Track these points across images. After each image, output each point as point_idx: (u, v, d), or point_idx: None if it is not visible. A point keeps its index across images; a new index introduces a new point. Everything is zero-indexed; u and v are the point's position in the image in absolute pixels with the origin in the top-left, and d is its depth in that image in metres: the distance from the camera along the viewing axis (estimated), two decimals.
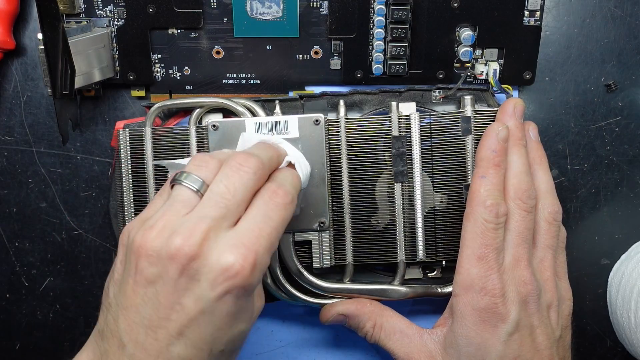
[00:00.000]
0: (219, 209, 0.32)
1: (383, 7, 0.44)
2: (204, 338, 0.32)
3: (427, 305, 0.50)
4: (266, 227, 0.33)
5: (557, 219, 0.43)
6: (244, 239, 0.32)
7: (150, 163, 0.44)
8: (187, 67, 0.46)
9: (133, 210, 0.45)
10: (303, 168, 0.40)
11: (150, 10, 0.44)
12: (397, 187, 0.44)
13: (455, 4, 0.44)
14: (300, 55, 0.46)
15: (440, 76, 0.46)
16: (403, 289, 0.45)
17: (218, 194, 0.33)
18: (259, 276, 0.32)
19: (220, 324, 0.32)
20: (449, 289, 0.45)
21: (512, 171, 0.42)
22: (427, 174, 0.44)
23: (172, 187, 0.35)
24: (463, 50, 0.45)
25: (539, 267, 0.42)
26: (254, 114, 0.44)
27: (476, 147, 0.44)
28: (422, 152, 0.44)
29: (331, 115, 0.45)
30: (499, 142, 0.42)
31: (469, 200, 0.41)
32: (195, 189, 0.34)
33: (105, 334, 0.33)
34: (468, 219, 0.41)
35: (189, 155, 0.44)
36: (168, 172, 0.44)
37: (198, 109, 0.45)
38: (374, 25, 0.45)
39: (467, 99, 0.44)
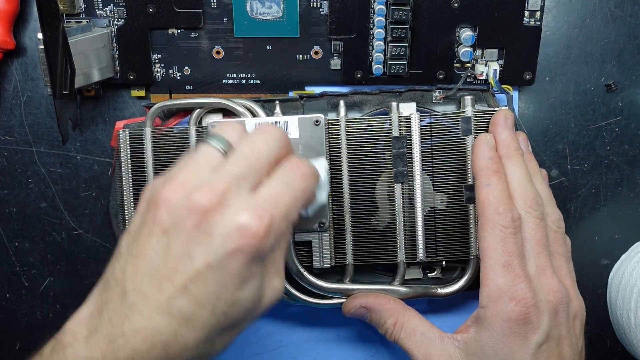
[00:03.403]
0: (241, 168, 0.33)
1: (383, 7, 0.44)
2: (208, 295, 0.31)
3: (425, 305, 0.50)
4: (285, 193, 0.33)
5: (561, 227, 0.42)
6: (261, 201, 0.32)
7: (150, 163, 0.44)
8: (187, 67, 0.46)
9: (133, 211, 0.45)
10: (324, 178, 0.39)
11: (151, 10, 0.44)
12: (398, 187, 0.44)
13: (456, 4, 0.44)
14: (301, 56, 0.46)
15: (441, 76, 0.46)
16: (403, 289, 0.45)
17: (242, 155, 0.34)
18: (273, 241, 0.32)
19: (226, 283, 0.31)
20: (448, 290, 0.45)
21: (516, 181, 0.41)
22: (428, 175, 0.44)
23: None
24: (463, 51, 0.45)
25: (559, 275, 0.41)
26: (254, 114, 0.44)
27: None
28: (422, 152, 0.44)
29: (331, 116, 0.45)
30: (492, 150, 0.42)
31: (480, 211, 0.40)
32: (220, 149, 0.34)
33: (110, 283, 0.32)
34: (484, 229, 0.40)
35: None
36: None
37: (198, 110, 0.45)
38: (374, 26, 0.45)
39: (468, 99, 0.44)
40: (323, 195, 0.39)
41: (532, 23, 0.45)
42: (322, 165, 0.39)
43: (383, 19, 0.44)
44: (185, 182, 0.32)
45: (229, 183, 0.32)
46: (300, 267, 0.44)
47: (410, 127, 0.44)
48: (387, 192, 0.45)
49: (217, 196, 0.31)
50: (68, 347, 0.31)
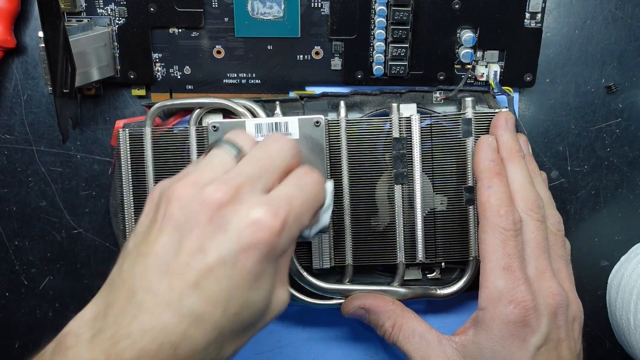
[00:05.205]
0: (255, 169, 0.33)
1: (384, 8, 0.44)
2: (220, 293, 0.30)
3: (424, 306, 0.50)
4: (298, 196, 0.33)
5: (561, 229, 0.42)
6: (276, 199, 0.32)
7: (150, 163, 0.44)
8: (187, 67, 0.46)
9: (133, 210, 0.45)
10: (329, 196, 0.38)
11: (152, 9, 0.44)
12: (397, 188, 0.44)
13: (457, 6, 0.44)
14: (301, 56, 0.46)
15: (441, 77, 0.46)
16: (402, 290, 0.45)
17: (255, 157, 0.33)
18: (286, 240, 0.32)
19: (239, 281, 0.30)
20: (447, 290, 0.45)
21: (517, 183, 0.41)
22: (428, 176, 0.44)
23: (209, 152, 0.35)
24: (464, 52, 0.45)
25: (558, 278, 0.41)
26: (254, 114, 0.44)
27: None
28: (422, 153, 0.44)
29: (331, 116, 0.45)
30: (494, 151, 0.42)
31: (481, 213, 0.40)
32: (233, 154, 0.34)
33: (116, 283, 0.31)
34: (485, 231, 0.40)
35: (194, 156, 0.44)
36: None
37: (198, 109, 0.45)
38: (374, 26, 0.45)
39: (468, 100, 0.44)
40: (326, 217, 0.38)
41: (532, 25, 0.45)
42: (328, 187, 0.38)
43: (384, 20, 0.44)
44: (197, 180, 0.32)
45: (243, 181, 0.32)
46: (299, 267, 0.44)
47: (410, 128, 0.44)
48: (387, 193, 0.45)
49: (231, 191, 0.31)
50: (70, 348, 0.30)
